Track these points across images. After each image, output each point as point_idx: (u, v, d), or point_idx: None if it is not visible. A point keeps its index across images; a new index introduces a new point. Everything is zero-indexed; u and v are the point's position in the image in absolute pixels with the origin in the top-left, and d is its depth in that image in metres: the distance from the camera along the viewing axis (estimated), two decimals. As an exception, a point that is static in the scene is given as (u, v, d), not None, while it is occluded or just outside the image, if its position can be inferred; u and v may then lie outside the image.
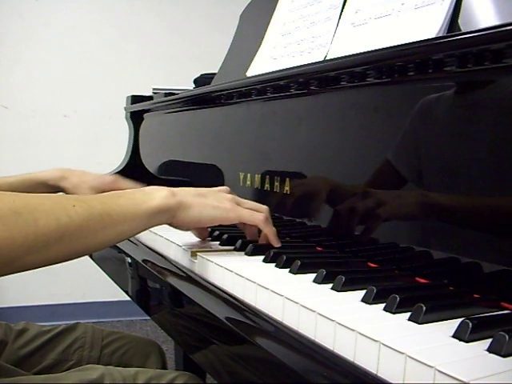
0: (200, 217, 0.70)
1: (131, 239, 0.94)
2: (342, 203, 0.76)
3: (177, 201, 0.68)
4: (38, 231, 0.53)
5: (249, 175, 0.96)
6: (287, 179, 0.85)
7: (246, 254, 0.72)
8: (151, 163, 1.49)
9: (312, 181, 0.81)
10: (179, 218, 0.68)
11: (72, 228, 0.57)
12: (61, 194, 0.60)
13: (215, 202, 0.71)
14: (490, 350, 0.40)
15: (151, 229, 0.73)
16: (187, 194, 0.70)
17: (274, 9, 1.05)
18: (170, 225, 0.70)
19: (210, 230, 0.85)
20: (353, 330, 0.43)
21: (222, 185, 1.06)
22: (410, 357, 0.38)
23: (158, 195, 0.67)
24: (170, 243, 0.80)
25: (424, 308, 0.46)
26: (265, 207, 0.75)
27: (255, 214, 0.73)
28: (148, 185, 1.28)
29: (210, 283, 0.66)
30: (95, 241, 0.60)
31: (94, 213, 0.59)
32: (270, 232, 0.73)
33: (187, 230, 0.76)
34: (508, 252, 0.53)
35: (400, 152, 0.67)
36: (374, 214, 0.69)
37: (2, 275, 0.53)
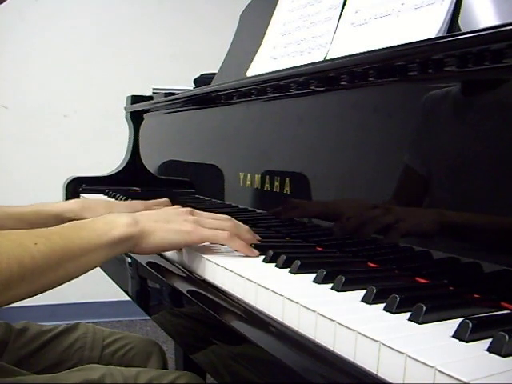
0: (162, 243, 0.69)
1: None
2: (344, 204, 0.76)
3: (139, 228, 0.67)
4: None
5: (249, 175, 0.96)
6: (287, 179, 0.85)
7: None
8: (151, 163, 1.49)
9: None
10: (141, 245, 0.67)
11: (34, 267, 0.56)
12: (22, 230, 0.60)
13: (177, 226, 0.69)
14: (490, 349, 0.40)
15: None
16: (149, 220, 0.69)
17: (274, 9, 1.05)
18: (132, 252, 0.70)
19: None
20: (353, 330, 0.43)
21: (223, 185, 1.07)
22: (410, 357, 0.38)
23: (119, 224, 0.66)
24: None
25: (424, 308, 0.46)
26: (229, 219, 0.73)
27: (218, 234, 0.70)
28: (148, 185, 1.28)
29: (209, 283, 0.66)
30: (56, 276, 0.59)
31: (55, 249, 0.59)
32: (239, 247, 0.71)
33: (151, 254, 0.75)
34: (508, 252, 0.53)
35: (400, 152, 0.67)
36: (374, 214, 0.69)
37: None
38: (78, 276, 0.64)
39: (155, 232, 0.68)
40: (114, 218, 0.67)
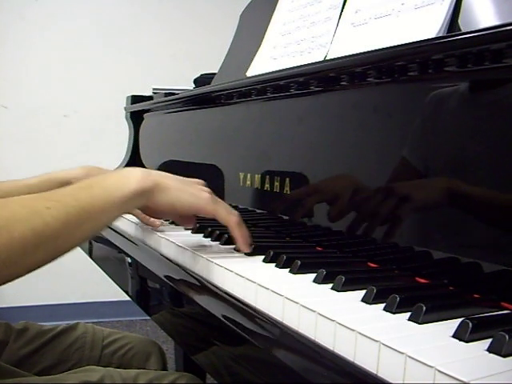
0: (176, 201, 0.67)
1: (132, 240, 0.94)
2: (343, 203, 0.76)
3: (153, 181, 0.65)
4: (13, 243, 0.50)
5: (249, 175, 0.96)
6: (287, 179, 0.85)
7: (246, 253, 0.72)
8: (151, 163, 1.49)
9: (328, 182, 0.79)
10: (155, 199, 0.66)
11: (48, 233, 0.54)
12: (34, 194, 0.58)
13: (193, 190, 0.69)
14: (490, 350, 0.40)
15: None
16: (165, 176, 0.68)
17: (274, 9, 1.05)
18: (144, 207, 0.68)
19: (210, 230, 0.85)
20: (353, 330, 0.43)
21: (223, 185, 1.07)
22: (410, 357, 0.38)
23: (133, 178, 0.64)
24: (170, 243, 0.80)
25: (424, 308, 0.46)
26: (237, 213, 0.72)
27: (231, 213, 0.70)
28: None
29: (209, 283, 0.66)
30: (73, 240, 0.58)
31: (70, 212, 0.57)
32: (239, 235, 0.70)
33: (163, 215, 0.74)
34: (508, 252, 0.53)
35: (400, 152, 0.67)
36: (374, 214, 0.69)
37: None
38: (95, 235, 0.64)
39: (170, 189, 0.67)
40: (126, 172, 0.66)
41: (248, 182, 0.96)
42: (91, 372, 0.76)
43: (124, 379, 0.75)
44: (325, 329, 0.46)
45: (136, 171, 0.66)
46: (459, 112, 0.60)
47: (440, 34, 0.65)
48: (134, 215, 0.97)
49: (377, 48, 0.66)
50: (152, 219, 0.91)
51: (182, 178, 0.71)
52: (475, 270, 0.55)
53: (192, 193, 0.69)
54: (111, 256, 1.03)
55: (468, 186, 0.58)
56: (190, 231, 0.90)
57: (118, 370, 0.78)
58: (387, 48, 0.65)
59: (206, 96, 1.13)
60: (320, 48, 0.86)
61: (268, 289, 0.54)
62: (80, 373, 0.77)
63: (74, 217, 0.57)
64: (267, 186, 0.90)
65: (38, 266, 0.55)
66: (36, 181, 0.98)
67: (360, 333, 0.42)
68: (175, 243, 0.78)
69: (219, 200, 0.72)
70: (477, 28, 0.56)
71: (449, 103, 0.61)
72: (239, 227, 0.70)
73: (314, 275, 0.60)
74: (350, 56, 0.71)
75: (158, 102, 1.41)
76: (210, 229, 0.85)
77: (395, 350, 0.39)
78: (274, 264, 0.66)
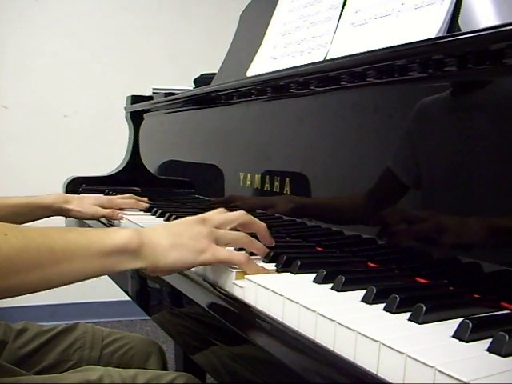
0: (176, 263, 0.60)
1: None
2: (344, 203, 0.76)
3: (140, 240, 0.58)
4: None
5: (249, 175, 0.96)
6: (287, 179, 0.85)
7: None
8: (151, 163, 1.49)
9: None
10: (153, 264, 0.59)
11: None
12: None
13: (191, 243, 0.61)
14: (490, 350, 0.40)
15: None
16: (157, 235, 0.61)
17: (274, 9, 1.05)
18: (145, 271, 0.61)
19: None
20: (353, 330, 0.43)
21: (223, 185, 1.07)
22: (410, 357, 0.38)
23: (117, 234, 0.58)
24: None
25: (424, 308, 0.46)
26: (241, 214, 0.68)
27: (234, 255, 0.62)
28: (148, 185, 1.27)
29: (209, 282, 0.66)
30: (30, 279, 0.52)
31: (30, 245, 0.52)
32: (254, 272, 0.62)
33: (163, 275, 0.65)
34: (508, 252, 0.53)
35: (400, 152, 0.67)
36: (373, 214, 0.69)
37: None
38: (62, 285, 0.56)
39: (164, 249, 0.59)
40: (113, 229, 0.61)
41: (248, 182, 0.96)
42: (90, 371, 0.76)
43: (123, 378, 0.75)
44: (325, 329, 0.46)
45: (126, 229, 0.60)
46: (459, 112, 0.60)
47: (440, 34, 0.65)
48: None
49: (377, 48, 0.66)
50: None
51: (175, 226, 0.63)
52: (475, 269, 0.55)
53: (190, 248, 0.60)
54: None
55: (468, 185, 0.58)
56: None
57: (117, 369, 0.78)
58: (387, 48, 0.65)
59: (206, 96, 1.13)
60: (320, 48, 0.86)
61: (268, 289, 0.54)
62: (79, 372, 0.77)
63: (33, 250, 0.52)
64: (267, 185, 0.90)
65: None
66: (20, 202, 1.02)
67: (360, 333, 0.42)
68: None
69: (219, 233, 0.63)
70: (477, 28, 0.56)
71: (448, 103, 0.61)
72: (248, 264, 0.62)
73: (313, 275, 0.60)
74: (349, 56, 0.71)
75: (158, 102, 1.41)
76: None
77: (395, 350, 0.39)
78: (274, 264, 0.66)
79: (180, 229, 0.63)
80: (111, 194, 1.38)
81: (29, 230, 0.55)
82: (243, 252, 0.65)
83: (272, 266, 0.66)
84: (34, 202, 1.04)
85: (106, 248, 0.56)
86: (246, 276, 0.59)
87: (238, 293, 0.60)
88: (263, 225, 0.70)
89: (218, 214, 0.67)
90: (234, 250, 0.69)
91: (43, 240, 0.53)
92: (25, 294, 0.53)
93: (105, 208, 1.13)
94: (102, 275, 0.59)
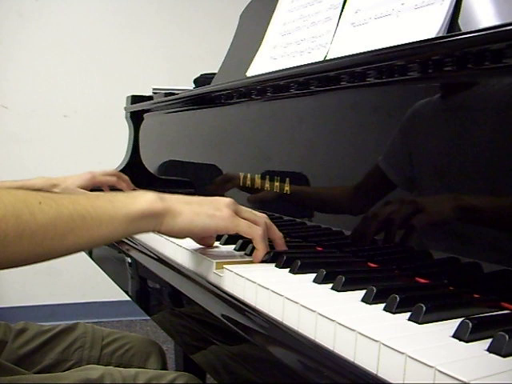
0: (191, 225, 0.64)
1: (131, 239, 0.94)
2: (341, 202, 0.76)
3: (164, 206, 0.62)
4: None
5: (249, 175, 0.96)
6: (287, 179, 0.85)
7: (245, 253, 0.72)
8: (151, 163, 1.49)
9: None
10: (167, 225, 0.63)
11: (34, 227, 0.52)
12: (31, 191, 0.57)
13: (211, 210, 0.65)
14: (490, 350, 0.40)
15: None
16: (178, 201, 0.65)
17: (274, 9, 1.05)
18: (159, 232, 0.65)
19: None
20: (353, 330, 0.43)
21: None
22: (410, 357, 0.38)
23: (142, 199, 0.62)
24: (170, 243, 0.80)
25: (424, 308, 0.46)
26: (264, 216, 0.70)
27: (253, 227, 0.66)
28: (148, 185, 1.26)
29: (209, 282, 0.66)
30: (64, 244, 0.55)
31: (63, 212, 0.55)
32: (261, 250, 0.67)
33: (180, 238, 0.70)
34: (508, 252, 0.53)
35: (399, 153, 0.67)
36: (372, 214, 0.69)
37: None
38: (92, 247, 0.61)
39: (183, 213, 0.63)
40: (137, 194, 0.64)
41: (248, 182, 0.96)
42: (91, 370, 0.76)
43: (124, 378, 0.75)
44: (325, 329, 0.46)
45: (149, 193, 0.63)
46: (458, 112, 0.60)
47: (440, 34, 0.65)
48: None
49: (377, 48, 0.66)
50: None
51: (200, 198, 0.68)
52: (475, 269, 0.55)
53: (209, 214, 0.65)
54: (111, 256, 1.03)
55: (468, 185, 0.58)
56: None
57: (118, 368, 0.78)
58: (387, 48, 0.65)
59: (206, 96, 1.13)
60: (320, 48, 0.86)
61: (268, 289, 0.54)
62: (80, 371, 0.77)
63: (66, 218, 0.55)
64: (267, 185, 0.90)
65: (22, 262, 0.53)
66: (14, 186, 1.04)
67: (360, 333, 0.42)
68: (175, 243, 0.78)
69: (243, 210, 0.68)
70: (477, 28, 0.56)
71: (448, 103, 0.61)
72: (262, 240, 0.67)
73: (314, 275, 0.60)
74: (349, 56, 0.71)
75: (158, 102, 1.41)
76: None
77: (395, 350, 0.39)
78: (274, 264, 0.66)
79: (203, 201, 0.67)
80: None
81: (61, 197, 0.57)
82: (261, 228, 0.67)
83: (272, 265, 0.66)
84: (24, 186, 1.06)
85: (131, 213, 0.60)
86: (244, 275, 0.59)
87: (238, 293, 0.60)
88: (281, 234, 0.71)
89: (246, 208, 0.70)
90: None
91: (74, 207, 0.56)
92: (59, 257, 0.57)
93: (89, 189, 1.14)
94: (125, 237, 0.63)
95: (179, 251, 0.76)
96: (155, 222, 0.62)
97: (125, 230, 0.60)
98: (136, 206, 0.61)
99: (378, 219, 0.68)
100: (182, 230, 0.65)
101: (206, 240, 0.74)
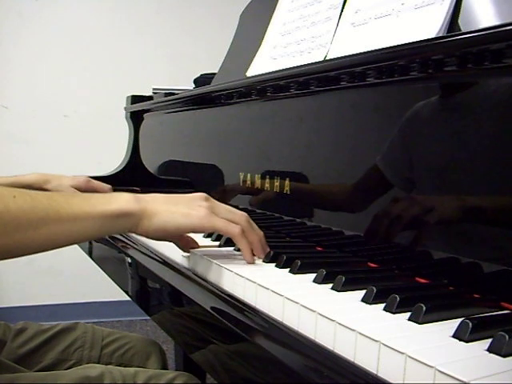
0: (166, 225, 0.64)
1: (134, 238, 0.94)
2: (341, 202, 0.76)
3: (140, 207, 0.63)
4: None
5: (249, 175, 0.96)
6: (287, 179, 0.85)
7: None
8: (151, 163, 1.49)
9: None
10: (143, 226, 0.63)
11: (7, 218, 0.53)
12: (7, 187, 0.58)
13: (186, 209, 0.65)
14: (490, 350, 0.40)
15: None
16: (154, 201, 0.65)
17: (274, 9, 1.05)
18: (135, 233, 0.66)
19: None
20: (353, 330, 0.43)
21: (223, 185, 1.07)
22: (410, 357, 0.38)
23: (119, 199, 0.63)
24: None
25: (424, 308, 0.46)
26: (243, 215, 0.68)
27: (230, 226, 0.65)
28: (148, 185, 1.26)
29: (209, 283, 0.66)
30: (37, 238, 0.56)
31: (37, 206, 0.56)
32: (244, 247, 0.66)
33: (158, 239, 0.69)
34: (508, 252, 0.53)
35: (399, 153, 0.67)
36: (371, 213, 0.69)
37: None
38: (66, 244, 0.60)
39: (159, 213, 0.64)
40: (113, 194, 0.65)
41: (248, 182, 0.96)
42: (91, 369, 0.76)
43: (123, 376, 0.75)
44: (325, 329, 0.46)
45: (125, 194, 0.64)
46: (458, 112, 0.60)
47: (440, 34, 0.65)
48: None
49: (377, 48, 0.66)
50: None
51: (177, 197, 0.68)
52: (475, 269, 0.55)
53: (184, 213, 0.64)
54: (111, 256, 1.03)
55: (468, 185, 0.58)
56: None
57: (118, 367, 0.78)
58: (387, 48, 0.65)
59: (205, 96, 1.13)
60: (320, 48, 0.86)
61: (268, 289, 0.54)
62: (80, 370, 0.77)
63: (40, 212, 0.56)
64: (267, 186, 0.90)
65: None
66: (5, 181, 1.05)
67: (360, 333, 0.42)
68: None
69: (220, 208, 0.67)
70: (477, 28, 0.56)
71: (448, 103, 0.61)
72: (241, 237, 0.66)
73: (314, 275, 0.60)
74: (349, 56, 0.71)
75: (158, 102, 1.41)
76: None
77: (395, 350, 0.39)
78: (274, 264, 0.66)
79: (179, 199, 0.67)
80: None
81: (36, 193, 0.59)
82: (239, 226, 0.66)
83: (272, 265, 0.66)
84: (17, 181, 1.08)
85: (107, 212, 0.61)
86: (244, 275, 0.59)
87: (238, 293, 0.60)
88: (260, 233, 0.69)
89: (223, 204, 0.69)
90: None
91: (49, 203, 0.57)
92: (32, 253, 0.58)
93: (82, 190, 1.13)
94: (101, 237, 0.63)
95: (180, 251, 0.76)
96: (131, 222, 0.63)
97: (100, 227, 0.61)
98: (112, 205, 0.61)
99: (376, 219, 0.68)
100: (156, 230, 0.65)
101: (185, 241, 0.73)
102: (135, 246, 0.91)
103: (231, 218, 0.67)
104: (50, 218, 0.57)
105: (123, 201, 0.62)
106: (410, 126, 0.65)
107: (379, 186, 0.69)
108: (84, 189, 1.15)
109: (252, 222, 0.69)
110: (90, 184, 1.17)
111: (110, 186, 1.24)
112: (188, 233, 0.70)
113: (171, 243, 0.78)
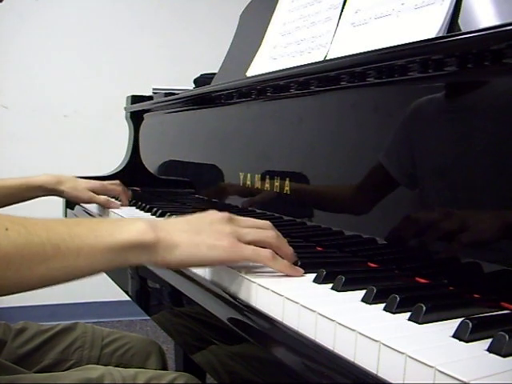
0: (190, 259, 0.57)
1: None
2: (341, 202, 0.76)
3: (157, 237, 0.55)
4: None
5: (249, 175, 0.96)
6: (287, 179, 0.85)
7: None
8: (151, 163, 1.49)
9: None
10: (164, 259, 0.56)
11: None
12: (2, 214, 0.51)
13: (211, 239, 0.57)
14: (490, 350, 0.40)
15: None
16: (173, 229, 0.57)
17: (274, 9, 1.05)
18: (154, 266, 0.59)
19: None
20: (353, 330, 0.43)
21: (223, 185, 1.07)
22: (410, 357, 0.38)
23: (131, 228, 0.55)
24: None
25: (424, 308, 0.46)
26: (270, 232, 0.61)
27: (260, 253, 0.58)
28: (148, 185, 1.25)
29: (208, 282, 0.66)
30: (32, 276, 0.50)
31: (33, 241, 0.49)
32: (282, 268, 0.60)
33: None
34: (508, 252, 0.53)
35: (399, 152, 0.67)
36: (373, 213, 0.69)
37: None
38: (67, 281, 0.53)
39: (181, 244, 0.56)
40: (126, 221, 0.58)
41: (248, 182, 0.96)
42: (91, 370, 0.76)
43: (124, 378, 0.75)
44: (325, 329, 0.46)
45: (140, 221, 0.56)
46: (458, 112, 0.60)
47: (440, 34, 0.65)
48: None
49: (377, 48, 0.66)
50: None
51: (196, 221, 0.60)
52: (475, 269, 0.55)
53: (210, 245, 0.57)
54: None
55: (469, 185, 0.58)
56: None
57: (118, 368, 0.78)
58: (387, 48, 0.65)
59: (206, 96, 1.13)
60: (320, 48, 0.86)
61: (268, 289, 0.54)
62: (80, 371, 0.77)
63: (36, 247, 0.49)
64: (267, 185, 0.90)
65: None
66: (15, 183, 1.06)
67: (360, 333, 0.42)
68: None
69: (245, 229, 0.60)
70: (477, 28, 0.56)
71: (448, 103, 0.61)
72: (275, 261, 0.59)
73: (314, 275, 0.60)
74: (349, 56, 0.71)
75: (158, 102, 1.41)
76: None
77: (395, 350, 0.39)
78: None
79: (201, 225, 0.59)
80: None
81: (34, 223, 0.51)
82: (269, 249, 0.59)
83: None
84: (27, 182, 1.08)
85: (117, 244, 0.53)
86: (247, 277, 0.59)
87: (237, 292, 0.60)
88: (291, 251, 0.63)
89: (247, 219, 0.63)
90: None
91: (48, 235, 0.50)
92: (28, 291, 0.51)
93: (98, 193, 1.17)
94: (110, 270, 0.56)
95: None
96: (148, 253, 0.55)
97: (110, 262, 0.54)
98: (123, 235, 0.54)
99: (377, 218, 0.68)
100: (179, 264, 0.59)
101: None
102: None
103: (258, 239, 0.60)
104: (47, 255, 0.50)
105: (135, 230, 0.55)
106: (412, 122, 0.65)
107: (379, 186, 0.69)
108: (100, 192, 1.18)
109: (278, 233, 0.63)
110: (105, 187, 1.20)
111: (118, 182, 1.27)
112: (213, 266, 0.63)
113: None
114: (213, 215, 0.61)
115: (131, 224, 0.56)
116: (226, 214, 0.61)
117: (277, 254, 0.60)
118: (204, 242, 0.57)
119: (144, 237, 0.55)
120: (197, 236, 0.57)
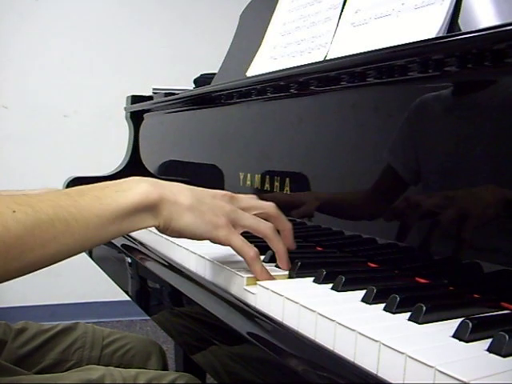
0: (188, 228, 0.57)
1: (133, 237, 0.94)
2: (341, 202, 0.76)
3: (160, 195, 0.56)
4: None
5: (249, 175, 0.96)
6: (287, 179, 0.85)
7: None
8: (151, 163, 1.49)
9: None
10: (166, 220, 0.56)
11: (9, 240, 0.46)
12: (6, 196, 0.50)
13: (209, 214, 0.57)
14: (490, 350, 0.40)
15: None
16: (178, 190, 0.58)
17: (274, 9, 1.05)
18: (157, 229, 0.59)
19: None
20: (353, 330, 0.43)
21: (223, 185, 1.07)
22: (410, 357, 0.38)
23: (134, 191, 0.55)
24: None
25: (424, 308, 0.46)
26: (272, 208, 0.62)
27: (245, 246, 0.58)
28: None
29: (208, 281, 0.66)
30: (46, 254, 0.49)
31: (42, 219, 0.48)
32: (256, 271, 0.59)
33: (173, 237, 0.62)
34: (508, 252, 0.53)
35: (399, 152, 0.67)
36: (373, 213, 0.69)
37: None
38: (83, 251, 0.54)
39: (182, 208, 0.56)
40: (129, 183, 0.56)
41: (248, 182, 0.96)
42: (92, 370, 0.76)
43: (124, 378, 0.75)
44: (325, 329, 0.46)
45: (143, 182, 0.57)
46: (458, 112, 0.60)
47: (440, 34, 0.65)
48: None
49: (377, 48, 0.66)
50: None
51: (199, 191, 0.60)
52: (475, 269, 0.55)
53: (206, 218, 0.57)
54: (111, 256, 1.03)
55: (469, 185, 0.58)
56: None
57: (119, 369, 0.78)
58: (387, 48, 0.65)
59: (205, 96, 1.13)
60: (320, 48, 0.86)
61: (268, 289, 0.54)
62: (80, 371, 0.77)
63: (46, 225, 0.48)
64: (267, 185, 0.90)
65: (2, 279, 0.48)
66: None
67: (360, 333, 0.42)
68: (188, 249, 0.78)
69: (244, 216, 0.60)
70: (477, 28, 0.56)
71: (448, 103, 0.61)
72: (255, 262, 0.58)
73: (314, 275, 0.60)
74: (349, 56, 0.71)
75: (158, 102, 1.41)
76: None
77: (395, 350, 0.39)
78: (275, 264, 0.66)
79: (204, 195, 0.59)
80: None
81: (38, 200, 0.50)
82: (255, 250, 0.59)
83: (272, 265, 0.66)
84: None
85: (122, 210, 0.53)
86: (244, 275, 0.59)
87: (236, 292, 0.60)
88: (289, 224, 0.65)
89: (248, 197, 0.63)
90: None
91: (55, 211, 0.49)
92: (43, 268, 0.51)
93: None
94: (119, 237, 0.57)
95: (192, 257, 0.74)
96: (152, 214, 0.56)
97: (117, 228, 0.54)
98: (127, 199, 0.54)
99: (377, 218, 0.68)
100: (181, 229, 0.58)
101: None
102: (138, 248, 0.91)
103: (255, 227, 0.61)
104: (58, 231, 0.49)
105: (138, 193, 0.55)
106: (416, 118, 0.65)
107: (379, 186, 0.69)
108: None
109: (280, 212, 0.63)
110: None
111: None
112: (204, 240, 0.62)
113: (181, 248, 0.77)
114: (215, 191, 0.61)
115: (134, 187, 0.56)
116: (228, 193, 0.61)
117: (272, 245, 0.62)
118: (205, 217, 0.57)
119: (147, 197, 0.55)
120: (198, 204, 0.58)
